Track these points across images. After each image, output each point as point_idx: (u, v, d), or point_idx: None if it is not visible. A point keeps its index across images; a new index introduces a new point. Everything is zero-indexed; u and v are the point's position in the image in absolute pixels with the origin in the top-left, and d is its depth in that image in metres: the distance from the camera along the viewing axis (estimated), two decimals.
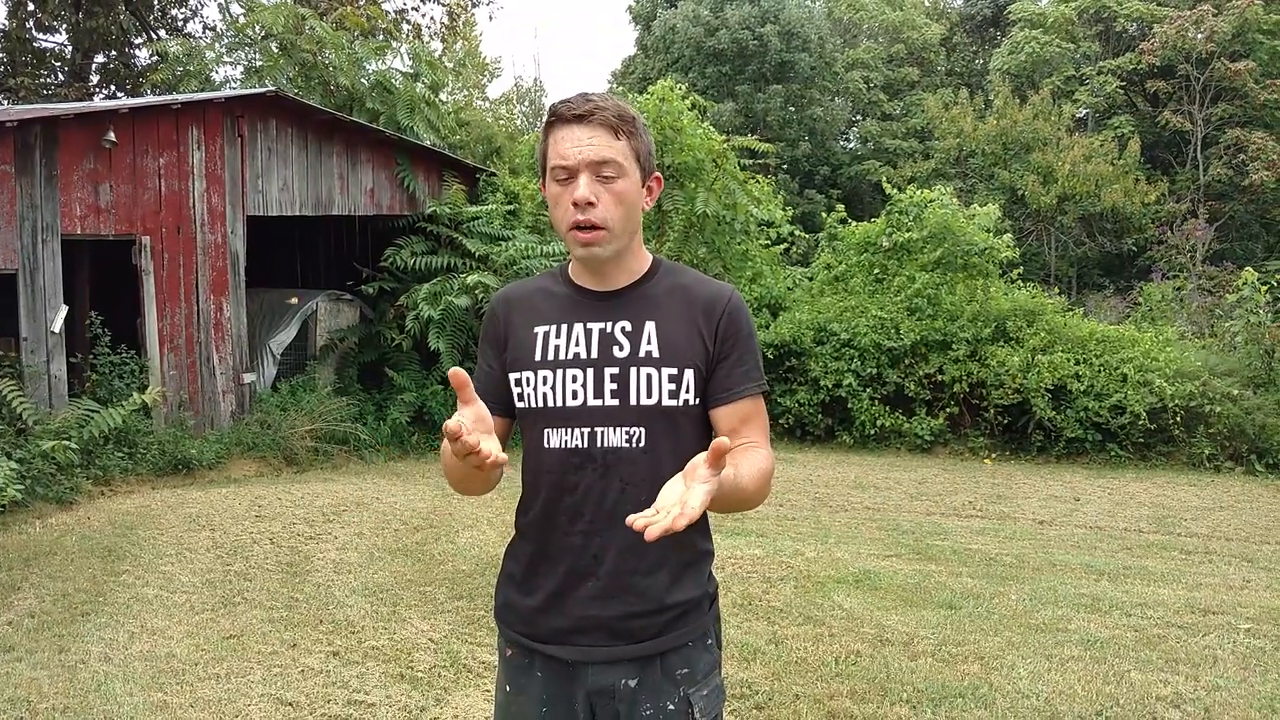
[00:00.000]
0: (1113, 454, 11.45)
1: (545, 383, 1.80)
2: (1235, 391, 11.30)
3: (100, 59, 23.15)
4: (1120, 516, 8.63)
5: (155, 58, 18.22)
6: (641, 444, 1.76)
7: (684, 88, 13.72)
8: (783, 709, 3.97)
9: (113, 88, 22.94)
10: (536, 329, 1.84)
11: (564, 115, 1.75)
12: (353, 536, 6.94)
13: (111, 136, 9.01)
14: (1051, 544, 7.42)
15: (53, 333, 8.63)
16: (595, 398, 1.77)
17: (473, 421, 1.57)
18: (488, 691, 4.15)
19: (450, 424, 1.52)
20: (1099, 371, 11.58)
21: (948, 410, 12.35)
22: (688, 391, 1.77)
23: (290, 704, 4.03)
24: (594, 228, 1.73)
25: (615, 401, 1.76)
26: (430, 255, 11.85)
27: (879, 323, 12.76)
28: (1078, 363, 11.72)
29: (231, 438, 9.85)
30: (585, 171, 1.73)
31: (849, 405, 12.67)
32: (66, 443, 7.67)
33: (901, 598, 5.59)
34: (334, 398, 11.12)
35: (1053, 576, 6.22)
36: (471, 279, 11.02)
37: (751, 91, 30.09)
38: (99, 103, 15.27)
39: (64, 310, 8.75)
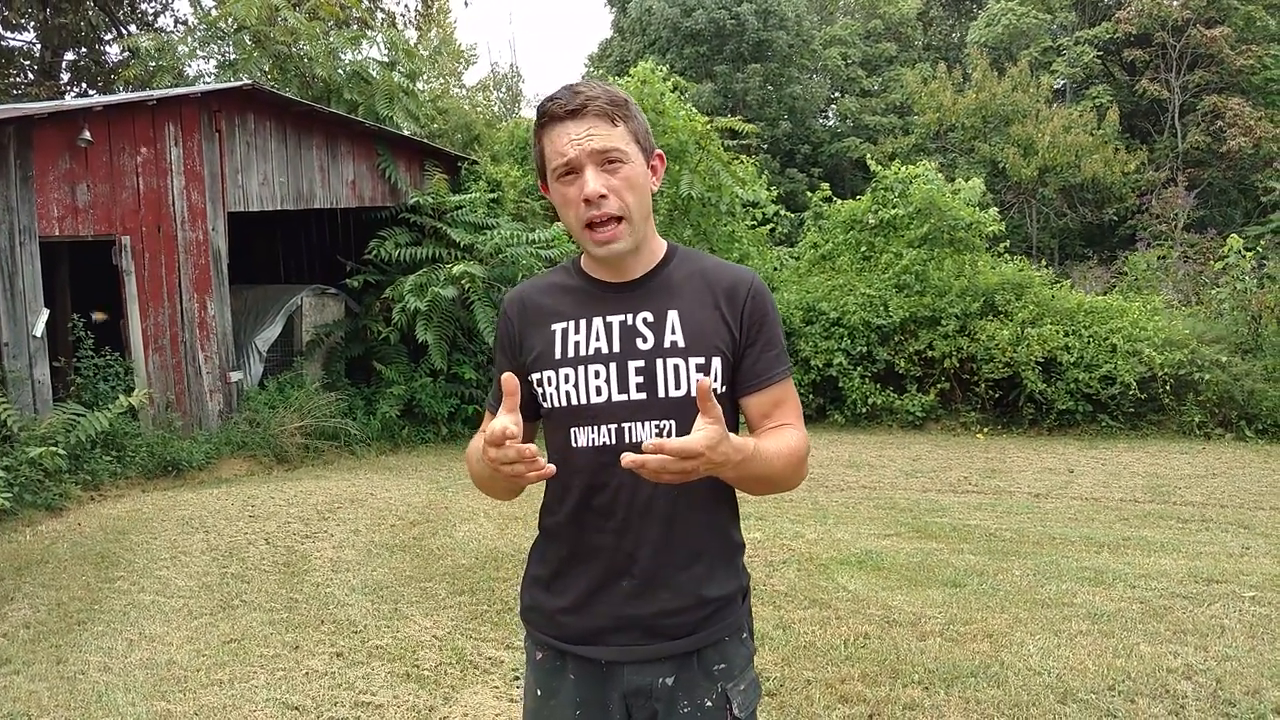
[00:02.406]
0: (1104, 424, 11.50)
1: (568, 381, 1.75)
2: (1223, 358, 11.36)
3: (70, 56, 22.80)
4: (1115, 487, 8.66)
5: (127, 54, 17.95)
6: (672, 437, 1.70)
7: (664, 69, 13.61)
8: (795, 694, 3.94)
9: (84, 85, 22.61)
10: (554, 326, 1.79)
11: (555, 113, 1.69)
12: (349, 534, 6.87)
13: (87, 135, 8.84)
14: (1049, 517, 7.44)
15: (34, 337, 8.49)
16: (620, 392, 1.72)
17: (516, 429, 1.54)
18: (497, 689, 4.11)
19: (495, 427, 1.49)
20: (1088, 343, 11.61)
21: (938, 386, 12.36)
22: (716, 379, 1.72)
23: (296, 708, 3.97)
24: (610, 221, 1.68)
25: (642, 395, 1.71)
26: (415, 246, 11.74)
27: (867, 300, 12.76)
28: (1067, 334, 11.75)
29: (220, 437, 9.74)
30: (589, 164, 1.67)
31: (840, 384, 12.67)
32: (54, 449, 7.55)
33: (905, 577, 5.58)
34: (322, 393, 11.03)
35: (1053, 550, 6.22)
36: (457, 269, 10.92)
37: (730, 71, 29.97)
38: (72, 101, 15.02)
39: (45, 313, 8.61)
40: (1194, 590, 5.18)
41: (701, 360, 1.71)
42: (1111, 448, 10.73)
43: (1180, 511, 7.62)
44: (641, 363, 1.72)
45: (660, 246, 1.82)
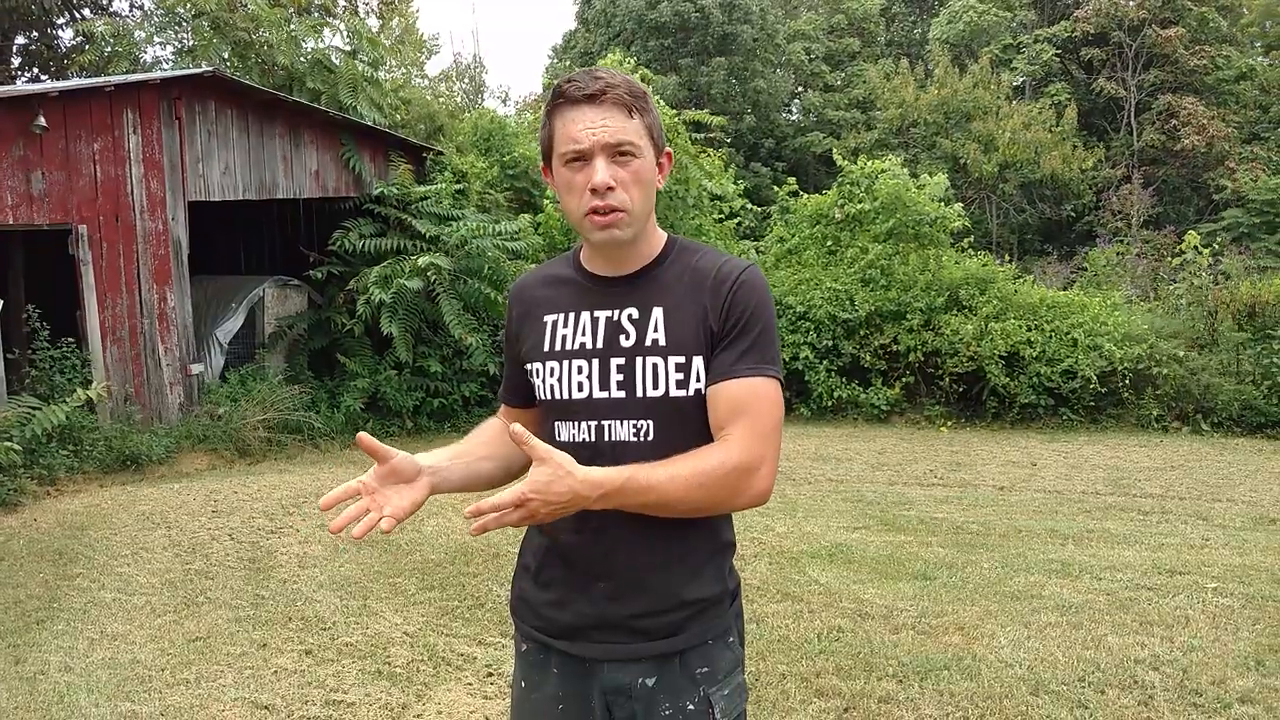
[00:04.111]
0: (1065, 418, 11.66)
1: (553, 374, 1.74)
2: (1181, 353, 11.57)
3: (21, 40, 22.22)
4: (1077, 479, 8.78)
5: (81, 39, 17.53)
6: (650, 437, 1.68)
7: (632, 62, 13.58)
8: (770, 689, 3.94)
9: (36, 71, 22.07)
10: (546, 318, 1.78)
11: (572, 96, 1.64)
12: (315, 528, 6.77)
13: (41, 121, 8.63)
14: (1014, 510, 7.52)
15: None
16: (601, 389, 1.70)
17: (379, 479, 1.59)
18: (470, 685, 4.07)
19: (350, 483, 1.58)
20: (1050, 337, 11.76)
21: (903, 380, 12.46)
22: (698, 381, 1.67)
23: (266, 707, 3.90)
24: (612, 212, 1.65)
25: (622, 394, 1.69)
26: (379, 237, 11.59)
27: (833, 294, 12.82)
28: (1029, 329, 11.90)
29: (181, 431, 9.56)
30: (601, 155, 1.63)
31: (806, 377, 12.72)
32: (8, 443, 7.36)
33: (876, 570, 5.61)
34: (285, 386, 10.86)
35: (1020, 543, 6.29)
36: (423, 260, 10.80)
37: (694, 65, 29.97)
38: (26, 86, 14.67)
39: None
40: (1158, 582, 5.27)
41: (681, 360, 1.67)
42: (1072, 441, 10.89)
43: (1140, 504, 7.74)
44: (622, 360, 1.69)
45: (659, 241, 1.78)
